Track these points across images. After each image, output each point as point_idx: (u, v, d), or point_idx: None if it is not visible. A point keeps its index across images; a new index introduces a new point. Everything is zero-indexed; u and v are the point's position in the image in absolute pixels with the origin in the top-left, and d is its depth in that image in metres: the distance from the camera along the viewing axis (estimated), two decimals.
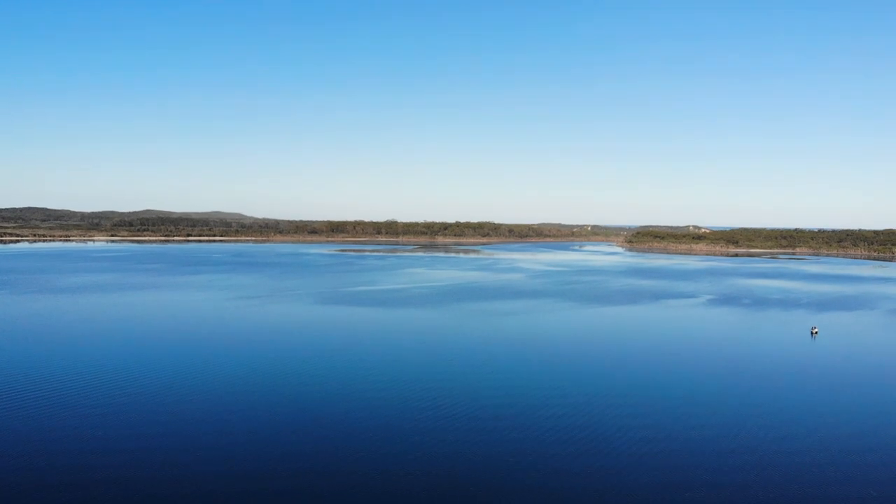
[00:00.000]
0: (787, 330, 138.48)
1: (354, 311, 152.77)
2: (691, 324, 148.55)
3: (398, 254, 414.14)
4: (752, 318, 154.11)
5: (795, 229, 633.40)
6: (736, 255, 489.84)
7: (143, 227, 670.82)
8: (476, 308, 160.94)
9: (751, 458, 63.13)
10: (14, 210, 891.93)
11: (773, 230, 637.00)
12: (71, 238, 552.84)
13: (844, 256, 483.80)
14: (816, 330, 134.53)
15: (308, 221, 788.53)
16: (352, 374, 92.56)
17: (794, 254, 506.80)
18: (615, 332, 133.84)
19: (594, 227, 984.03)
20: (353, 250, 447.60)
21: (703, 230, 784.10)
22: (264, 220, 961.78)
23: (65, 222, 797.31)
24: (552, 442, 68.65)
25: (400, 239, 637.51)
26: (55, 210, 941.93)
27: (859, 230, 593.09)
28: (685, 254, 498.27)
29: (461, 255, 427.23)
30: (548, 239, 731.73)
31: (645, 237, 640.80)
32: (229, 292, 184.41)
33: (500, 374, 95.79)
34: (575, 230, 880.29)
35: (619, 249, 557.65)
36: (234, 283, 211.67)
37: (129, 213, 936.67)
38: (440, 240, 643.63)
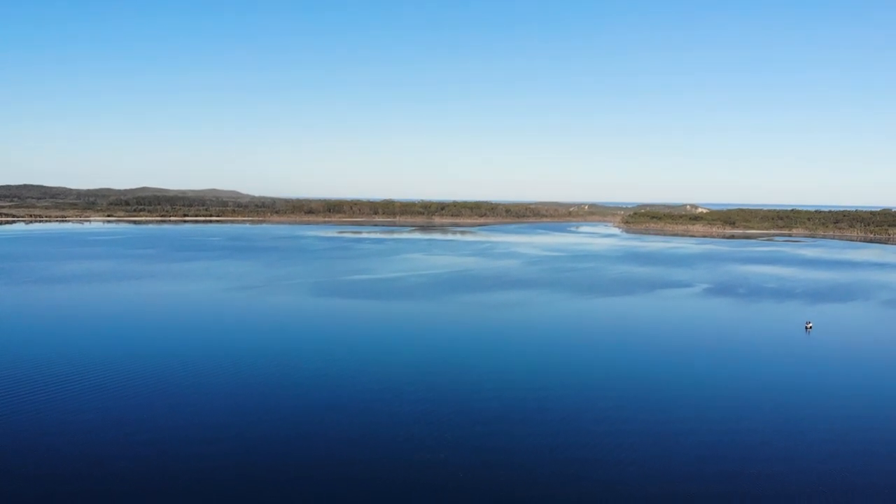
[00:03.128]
0: (782, 325, 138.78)
1: (351, 305, 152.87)
2: (686, 317, 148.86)
3: (395, 236, 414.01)
4: (747, 311, 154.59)
5: (792, 209, 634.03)
6: (732, 236, 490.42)
7: (140, 207, 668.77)
8: (472, 300, 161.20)
9: (742, 455, 63.99)
10: (10, 187, 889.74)
11: (769, 210, 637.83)
12: (67, 219, 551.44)
13: (841, 238, 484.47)
14: (811, 325, 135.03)
15: (305, 200, 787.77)
16: (346, 372, 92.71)
17: (790, 235, 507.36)
18: (609, 326, 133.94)
19: (591, 205, 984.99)
20: (350, 233, 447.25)
21: (699, 209, 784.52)
22: (261, 198, 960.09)
23: (61, 200, 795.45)
24: (548, 435, 71.06)
25: (397, 219, 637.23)
26: (51, 187, 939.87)
27: (856, 210, 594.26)
28: (682, 235, 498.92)
29: (458, 237, 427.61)
30: (545, 219, 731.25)
31: (642, 217, 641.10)
32: (226, 282, 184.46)
33: (496, 369, 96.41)
34: (572, 209, 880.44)
35: (616, 231, 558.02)
36: (231, 271, 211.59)
37: (125, 190, 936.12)
38: (437, 220, 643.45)
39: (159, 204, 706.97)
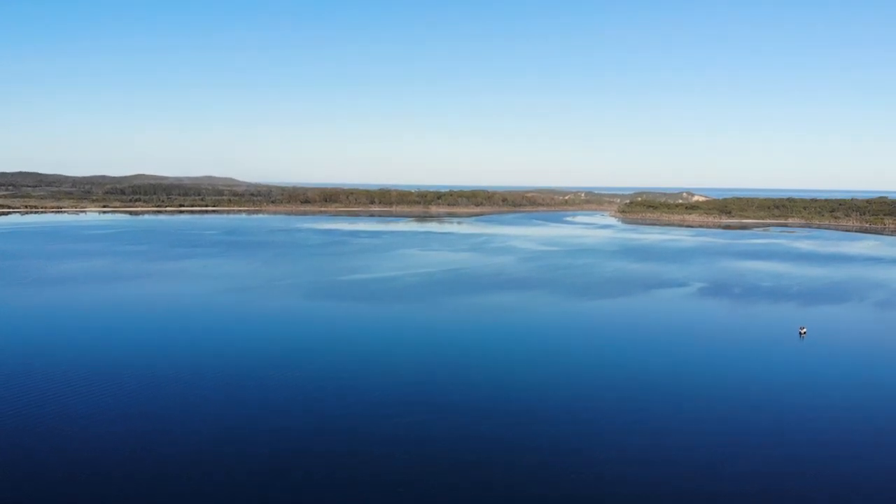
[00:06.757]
0: (776, 329, 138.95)
1: (346, 308, 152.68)
2: (681, 320, 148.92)
3: (391, 228, 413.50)
4: (742, 314, 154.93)
5: (788, 198, 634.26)
6: (728, 226, 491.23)
7: (135, 197, 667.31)
8: (467, 303, 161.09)
9: (734, 461, 64.82)
10: (5, 175, 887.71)
11: (765, 199, 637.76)
12: (63, 209, 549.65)
13: (836, 228, 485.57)
14: (804, 330, 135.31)
15: (301, 189, 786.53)
16: (340, 378, 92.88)
17: (786, 225, 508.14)
18: (603, 331, 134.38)
19: (588, 193, 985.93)
20: (347, 224, 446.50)
21: (696, 198, 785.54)
22: (256, 186, 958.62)
23: (56, 189, 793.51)
24: (539, 435, 74.66)
25: (393, 209, 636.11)
26: (47, 175, 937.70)
27: (851, 199, 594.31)
28: (678, 225, 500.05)
29: (455, 228, 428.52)
30: (541, 208, 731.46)
31: (638, 207, 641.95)
32: (222, 282, 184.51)
33: (489, 374, 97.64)
34: (568, 197, 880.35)
35: (612, 221, 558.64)
36: (227, 270, 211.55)
37: (121, 177, 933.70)
38: (434, 209, 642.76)
39: (155, 193, 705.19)
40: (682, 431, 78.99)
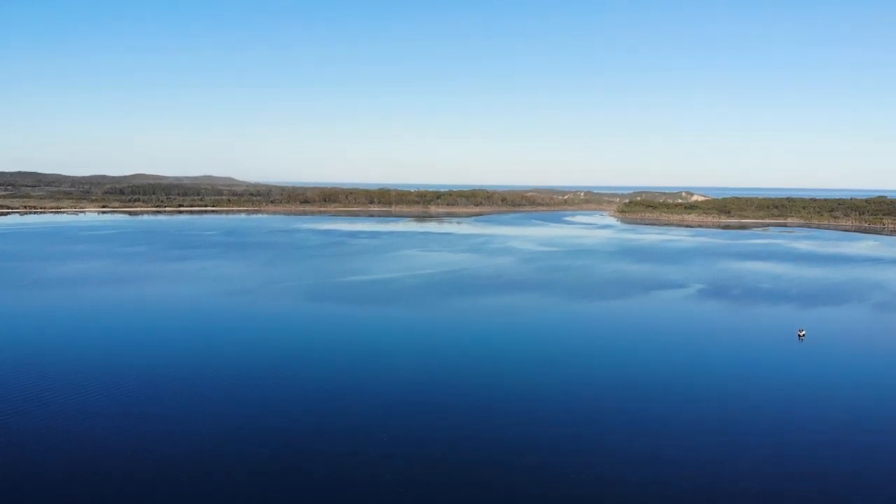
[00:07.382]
0: (775, 332, 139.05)
1: (344, 311, 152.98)
2: (679, 323, 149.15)
3: (391, 229, 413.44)
4: (740, 316, 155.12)
5: (787, 198, 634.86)
6: (727, 226, 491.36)
7: (135, 197, 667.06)
8: (465, 306, 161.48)
9: (731, 471, 65.21)
10: (4, 175, 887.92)
11: (764, 199, 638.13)
12: (62, 210, 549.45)
13: (836, 228, 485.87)
14: (803, 332, 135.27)
15: (300, 188, 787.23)
16: (336, 384, 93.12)
17: (785, 225, 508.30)
18: (601, 334, 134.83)
19: (587, 193, 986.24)
20: (346, 224, 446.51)
21: (695, 197, 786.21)
22: (256, 186, 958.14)
23: (55, 189, 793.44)
24: (539, 435, 74.66)
25: (393, 209, 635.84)
26: (46, 175, 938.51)
27: (850, 199, 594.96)
28: (677, 225, 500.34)
29: (454, 228, 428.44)
30: (540, 208, 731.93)
31: (637, 207, 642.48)
32: (220, 284, 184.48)
33: (490, 375, 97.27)
34: (567, 197, 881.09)
35: (612, 220, 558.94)
36: (226, 272, 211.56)
37: (120, 177, 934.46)
38: (433, 209, 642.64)
39: (154, 193, 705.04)
40: (682, 431, 79.24)
